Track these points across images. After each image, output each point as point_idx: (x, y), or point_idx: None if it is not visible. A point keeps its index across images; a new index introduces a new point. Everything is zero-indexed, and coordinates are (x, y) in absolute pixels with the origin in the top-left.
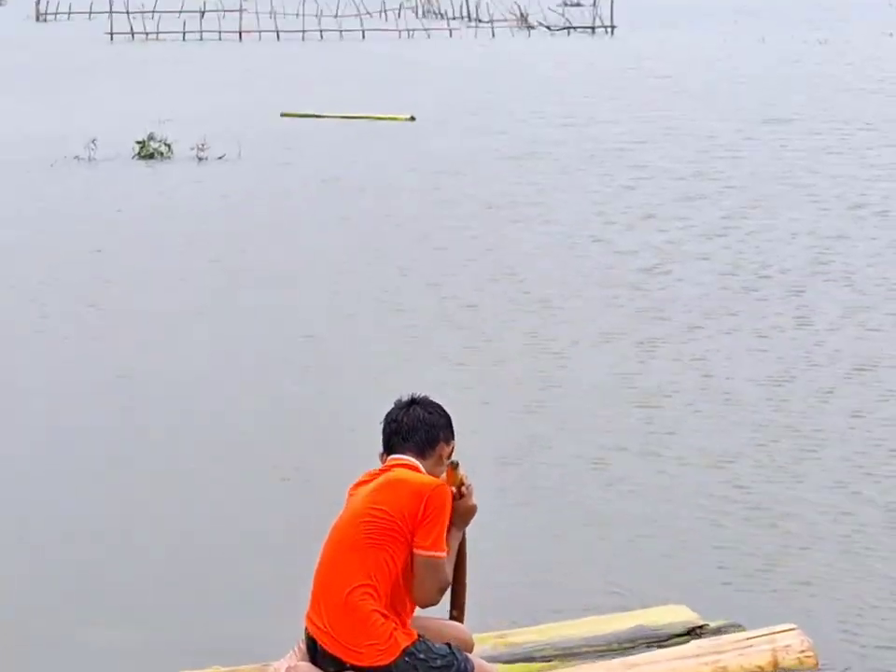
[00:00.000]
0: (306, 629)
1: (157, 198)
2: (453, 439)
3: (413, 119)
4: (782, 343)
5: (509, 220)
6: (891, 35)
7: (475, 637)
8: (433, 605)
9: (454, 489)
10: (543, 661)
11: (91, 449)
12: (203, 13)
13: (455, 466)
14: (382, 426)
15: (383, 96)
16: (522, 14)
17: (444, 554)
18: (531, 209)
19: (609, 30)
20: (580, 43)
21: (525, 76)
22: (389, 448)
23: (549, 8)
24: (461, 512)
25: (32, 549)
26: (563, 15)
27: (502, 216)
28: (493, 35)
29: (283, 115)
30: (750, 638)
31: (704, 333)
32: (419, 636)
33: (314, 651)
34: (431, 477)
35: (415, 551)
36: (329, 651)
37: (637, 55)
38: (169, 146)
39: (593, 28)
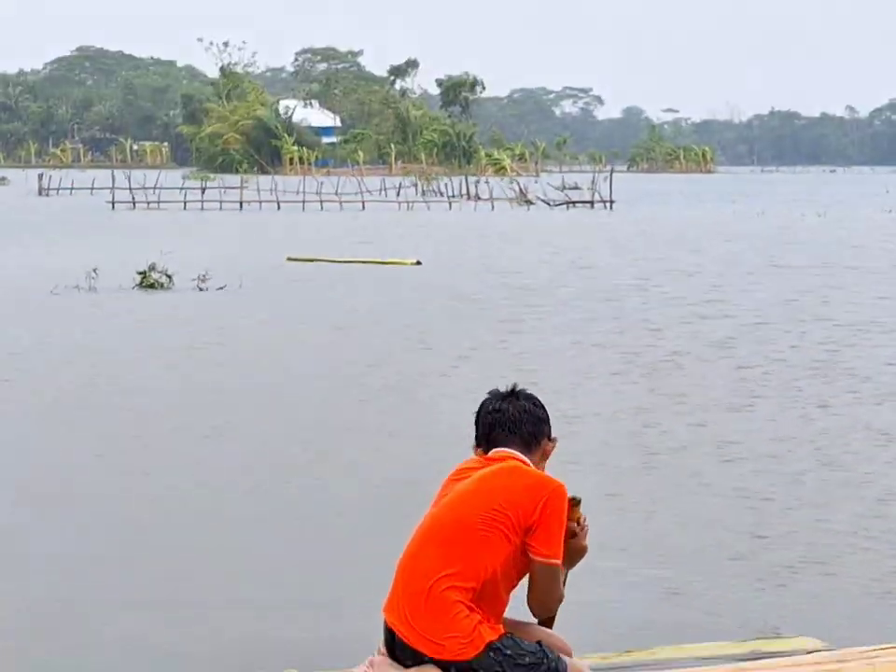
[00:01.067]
0: (385, 621)
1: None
2: (554, 437)
3: (419, 263)
4: None
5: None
6: (890, 211)
7: (578, 657)
8: (549, 615)
9: (571, 524)
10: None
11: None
12: (203, 189)
13: (577, 503)
14: (478, 417)
15: (386, 249)
16: (521, 190)
17: (559, 561)
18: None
19: (609, 204)
20: (580, 214)
21: (530, 234)
22: (490, 440)
23: (548, 184)
24: (573, 551)
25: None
26: (563, 190)
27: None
28: (492, 208)
29: (289, 259)
30: (879, 649)
31: None
32: (507, 632)
33: (392, 644)
34: (549, 475)
35: (535, 557)
36: (409, 642)
37: (639, 221)
38: (170, 276)
39: (592, 203)
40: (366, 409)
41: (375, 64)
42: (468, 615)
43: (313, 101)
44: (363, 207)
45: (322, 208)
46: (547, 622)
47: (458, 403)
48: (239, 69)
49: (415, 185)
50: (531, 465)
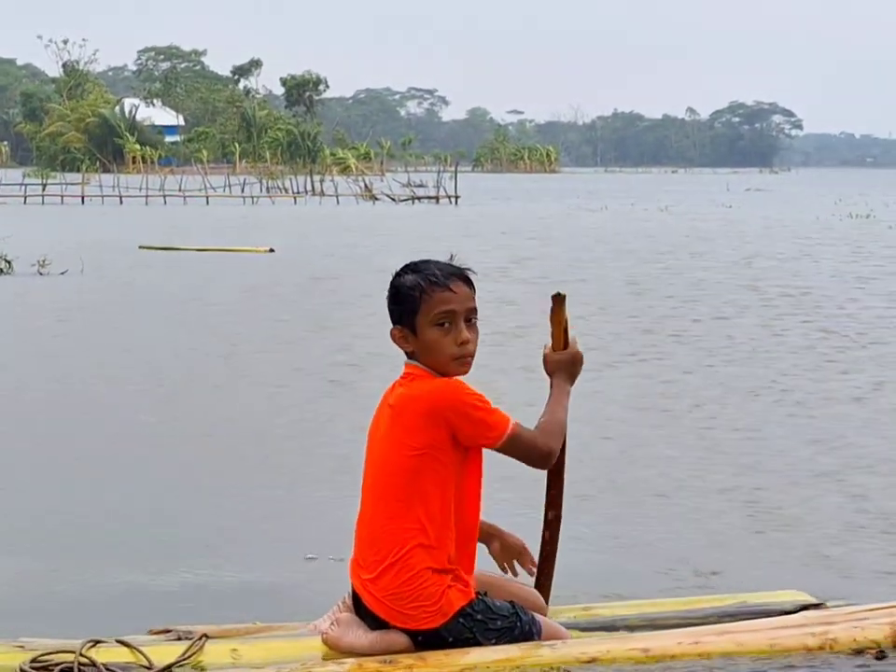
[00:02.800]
0: (351, 583)
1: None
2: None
3: (272, 250)
4: None
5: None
6: (730, 207)
7: (553, 608)
8: (553, 457)
9: (558, 332)
10: (626, 630)
11: None
12: (44, 185)
13: (561, 299)
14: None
15: (236, 239)
16: (367, 186)
17: (509, 424)
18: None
19: (454, 200)
20: (425, 208)
21: (379, 226)
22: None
23: (394, 180)
24: (568, 362)
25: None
26: (408, 185)
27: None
28: (337, 203)
29: (141, 247)
30: (868, 611)
31: None
32: (478, 593)
33: (357, 605)
34: (434, 383)
35: (489, 447)
36: (372, 609)
37: (484, 214)
38: (9, 262)
39: (437, 198)
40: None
41: (219, 64)
42: (434, 580)
43: (155, 100)
44: (207, 202)
45: (165, 203)
46: (556, 478)
47: (305, 365)
48: (80, 67)
49: (260, 182)
50: (423, 368)
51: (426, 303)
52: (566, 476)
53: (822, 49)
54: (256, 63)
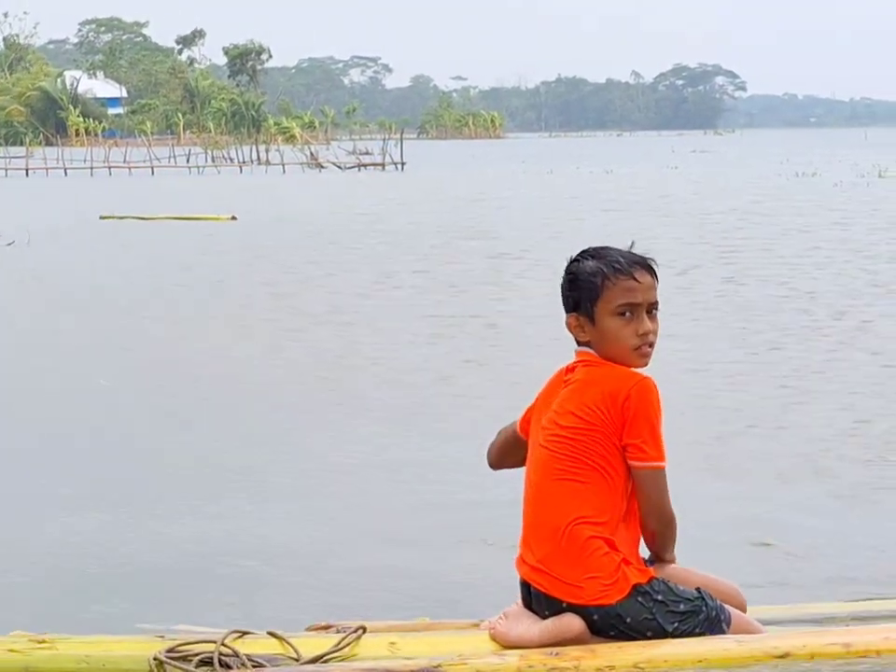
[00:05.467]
0: (519, 576)
1: None
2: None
3: (234, 218)
4: None
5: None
6: (676, 167)
7: (753, 608)
8: (666, 541)
9: None
10: (837, 626)
11: None
12: None
13: None
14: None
15: (192, 207)
16: (313, 155)
17: (664, 464)
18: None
19: (400, 166)
20: (372, 175)
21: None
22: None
23: (339, 148)
24: None
25: None
26: (354, 153)
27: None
28: (283, 172)
29: (102, 217)
30: None
31: None
32: (658, 576)
33: (528, 598)
34: (624, 371)
35: (632, 463)
36: (544, 591)
37: (431, 179)
38: None
39: (383, 165)
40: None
41: (161, 35)
42: (607, 552)
43: (98, 72)
44: (152, 173)
45: (111, 174)
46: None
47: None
48: (21, 40)
49: (205, 152)
50: (599, 357)
51: (607, 291)
52: None
53: (765, 10)
54: (198, 34)
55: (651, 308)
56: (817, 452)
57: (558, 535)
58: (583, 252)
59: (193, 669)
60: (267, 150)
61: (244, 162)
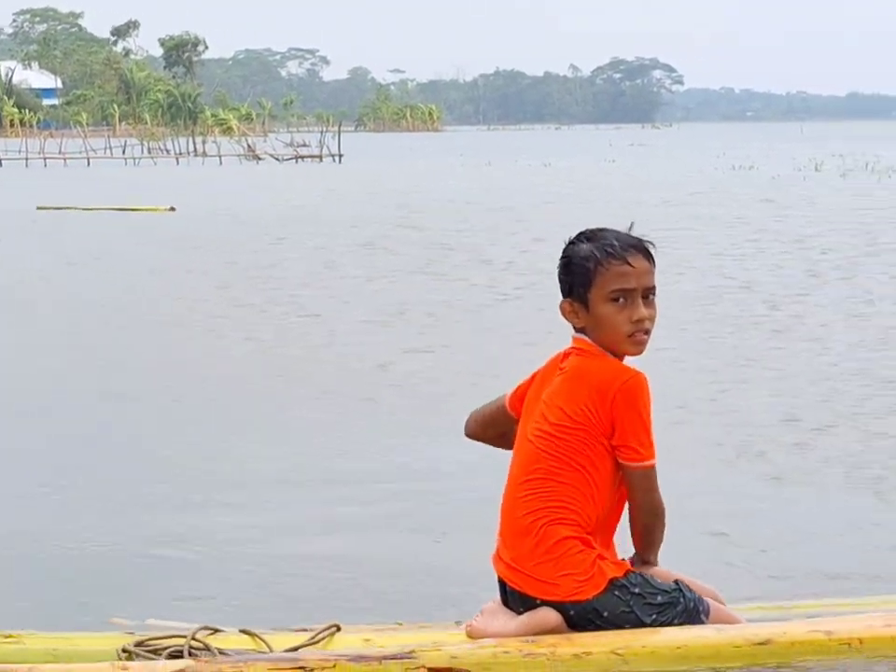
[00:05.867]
0: (495, 571)
1: None
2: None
3: (173, 209)
4: None
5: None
6: (613, 161)
7: (735, 607)
8: (653, 540)
9: None
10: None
11: None
12: None
13: None
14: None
15: (129, 198)
16: (250, 146)
17: (653, 462)
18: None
19: (338, 158)
20: (310, 167)
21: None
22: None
23: (277, 140)
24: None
25: None
26: (291, 145)
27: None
28: (220, 163)
29: (39, 208)
30: None
31: None
32: (635, 571)
33: (504, 595)
34: (618, 366)
35: (623, 461)
36: (518, 588)
37: (368, 171)
38: None
39: (321, 157)
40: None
41: (96, 25)
42: (582, 550)
43: (32, 62)
44: (88, 164)
45: (46, 165)
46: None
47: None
48: None
49: (141, 143)
50: (593, 344)
51: (600, 276)
52: None
53: (702, 5)
54: (133, 24)
55: (648, 293)
56: (753, 438)
57: (532, 534)
58: (580, 234)
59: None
60: (204, 142)
61: (180, 154)
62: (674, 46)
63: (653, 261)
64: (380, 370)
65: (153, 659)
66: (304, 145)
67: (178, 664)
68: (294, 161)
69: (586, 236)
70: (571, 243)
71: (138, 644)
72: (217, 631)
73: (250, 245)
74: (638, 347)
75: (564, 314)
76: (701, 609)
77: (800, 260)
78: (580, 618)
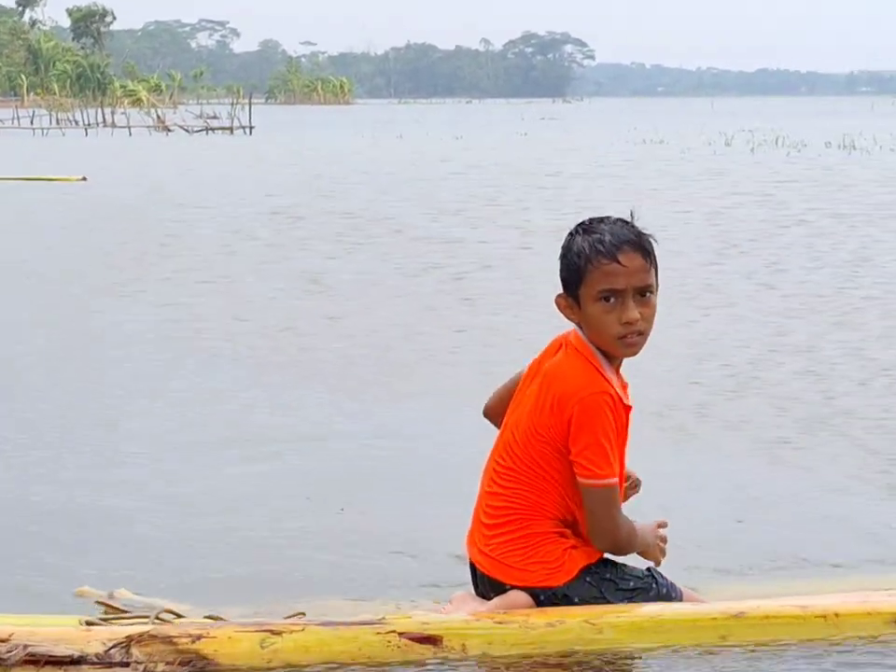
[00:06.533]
0: (468, 556)
1: None
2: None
3: (84, 179)
4: None
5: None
6: (525, 134)
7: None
8: (613, 549)
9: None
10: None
11: None
12: None
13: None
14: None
15: (38, 168)
16: (160, 118)
17: (609, 482)
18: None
19: (248, 130)
20: (220, 139)
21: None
22: None
23: (187, 111)
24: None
25: None
26: (201, 117)
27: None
28: (130, 134)
29: None
30: None
31: None
32: (608, 558)
33: (475, 580)
34: (578, 381)
35: (578, 479)
36: (489, 573)
37: (279, 144)
38: None
39: (231, 129)
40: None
41: None
42: (553, 540)
43: None
44: None
45: None
46: None
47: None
48: None
49: (49, 114)
50: (585, 342)
51: (589, 275)
52: None
53: None
54: None
55: (644, 292)
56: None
57: (504, 524)
58: (580, 224)
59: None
60: (113, 113)
61: (89, 125)
62: (586, 21)
63: (651, 257)
64: (291, 333)
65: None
66: (214, 117)
67: (143, 626)
68: (204, 132)
69: (584, 228)
70: (572, 233)
71: (101, 618)
72: (180, 616)
73: (164, 213)
74: (630, 349)
75: (559, 308)
76: (674, 595)
77: (710, 232)
78: (549, 603)
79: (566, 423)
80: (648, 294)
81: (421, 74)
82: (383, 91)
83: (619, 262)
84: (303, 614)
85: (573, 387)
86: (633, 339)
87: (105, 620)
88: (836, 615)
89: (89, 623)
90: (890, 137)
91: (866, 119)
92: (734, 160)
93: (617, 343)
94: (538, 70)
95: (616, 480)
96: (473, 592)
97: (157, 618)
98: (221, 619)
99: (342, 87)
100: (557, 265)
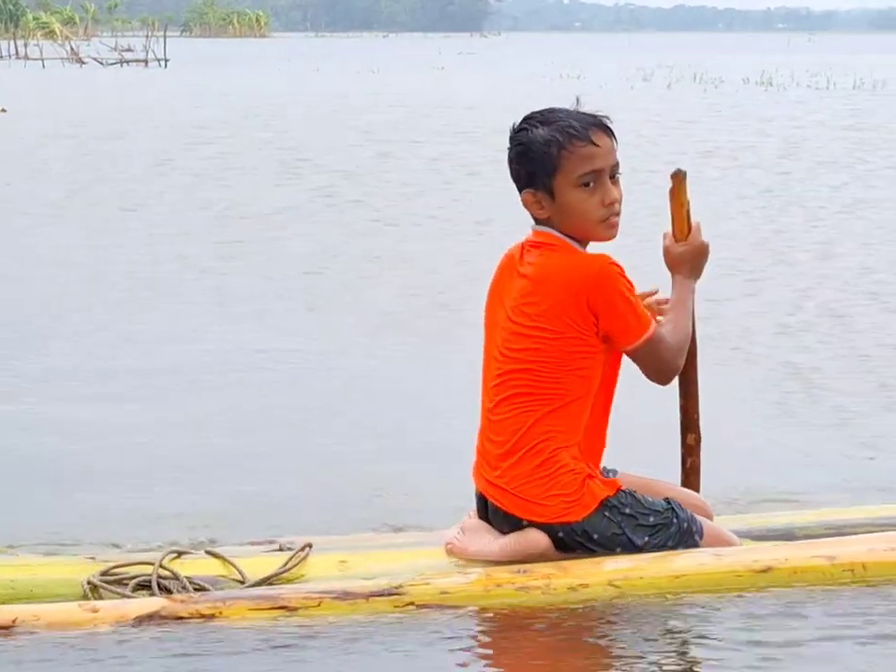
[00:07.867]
0: (476, 486)
1: None
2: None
3: (4, 110)
4: None
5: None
6: (442, 68)
7: (721, 518)
8: (677, 373)
9: (680, 217)
10: (807, 539)
11: None
12: None
13: (681, 178)
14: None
15: None
16: (73, 50)
17: (651, 328)
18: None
19: (163, 63)
20: (134, 72)
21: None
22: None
23: (101, 44)
24: (693, 255)
25: None
26: (116, 49)
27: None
28: (43, 67)
29: None
30: None
31: None
32: (626, 488)
33: (484, 509)
34: (578, 262)
35: (622, 349)
36: (503, 507)
37: (193, 76)
38: None
39: (146, 62)
40: None
41: None
42: (571, 469)
43: None
44: None
45: None
46: (695, 444)
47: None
48: None
49: None
50: (558, 236)
51: (566, 161)
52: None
53: None
54: None
55: (614, 172)
56: None
57: (516, 451)
58: (528, 118)
59: (130, 594)
60: (26, 45)
61: (1, 57)
62: None
63: (615, 137)
64: (220, 259)
65: (122, 595)
66: (129, 49)
67: (152, 604)
68: (119, 65)
69: (538, 120)
70: (522, 129)
71: (104, 573)
72: (182, 553)
73: (88, 145)
74: (612, 230)
75: (526, 205)
76: (695, 529)
77: (631, 162)
78: (569, 539)
79: (583, 305)
80: (617, 174)
81: (338, 7)
82: (299, 25)
83: (594, 143)
84: (310, 545)
85: (579, 273)
86: (614, 219)
87: (106, 573)
88: (864, 566)
89: (90, 584)
90: (806, 73)
91: (782, 55)
92: (650, 95)
93: (600, 227)
94: (454, 4)
95: (653, 324)
96: (478, 517)
97: (161, 565)
98: (221, 556)
99: (258, 20)
100: (505, 169)
